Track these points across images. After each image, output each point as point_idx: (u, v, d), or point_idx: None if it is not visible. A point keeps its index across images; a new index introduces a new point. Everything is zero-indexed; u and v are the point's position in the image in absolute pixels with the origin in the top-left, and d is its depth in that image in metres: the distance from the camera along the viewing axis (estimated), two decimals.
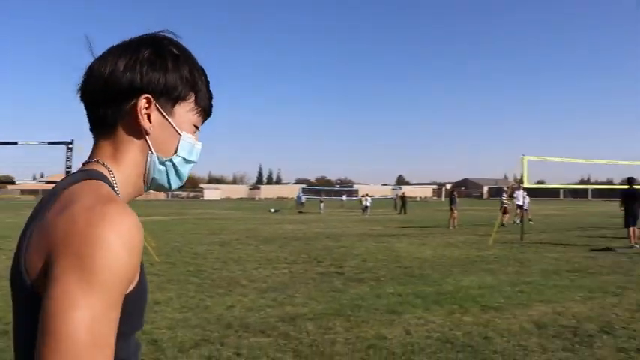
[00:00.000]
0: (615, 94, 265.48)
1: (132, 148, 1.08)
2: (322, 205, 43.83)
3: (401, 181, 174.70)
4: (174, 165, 1.13)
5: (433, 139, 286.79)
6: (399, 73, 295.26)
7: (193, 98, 1.14)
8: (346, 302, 7.96)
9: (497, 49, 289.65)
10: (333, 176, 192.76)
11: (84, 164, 1.09)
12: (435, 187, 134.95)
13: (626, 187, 16.50)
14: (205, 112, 1.19)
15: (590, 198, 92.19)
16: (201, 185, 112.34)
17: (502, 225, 23.23)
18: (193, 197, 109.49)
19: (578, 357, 5.44)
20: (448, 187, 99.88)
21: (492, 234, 17.54)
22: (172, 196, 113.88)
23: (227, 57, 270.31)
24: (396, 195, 52.12)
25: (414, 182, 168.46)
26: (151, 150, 1.09)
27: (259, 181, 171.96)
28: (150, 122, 1.08)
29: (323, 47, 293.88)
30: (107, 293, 0.84)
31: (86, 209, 0.88)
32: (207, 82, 1.18)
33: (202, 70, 1.17)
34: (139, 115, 1.06)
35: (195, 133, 1.17)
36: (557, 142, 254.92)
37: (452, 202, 24.94)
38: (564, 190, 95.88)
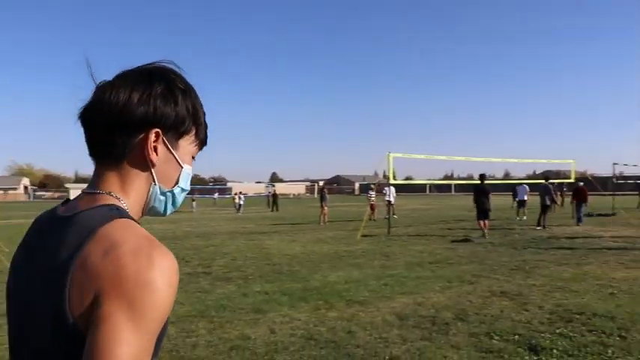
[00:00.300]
0: (468, 94, 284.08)
1: (138, 180, 1.10)
2: (194, 203, 42.94)
3: (275, 179, 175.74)
4: (173, 195, 1.17)
5: (307, 136, 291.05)
6: (273, 72, 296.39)
7: (195, 131, 1.17)
8: (211, 303, 7.74)
9: (366, 50, 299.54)
10: (206, 174, 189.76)
11: (91, 193, 1.08)
12: (308, 183, 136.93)
13: (478, 182, 17.64)
14: (203, 143, 1.22)
15: (453, 192, 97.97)
16: (67, 185, 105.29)
17: (372, 220, 23.98)
18: (59, 197, 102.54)
19: (435, 345, 5.64)
20: (321, 183, 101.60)
21: (360, 229, 18.04)
22: (35, 197, 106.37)
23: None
24: (269, 192, 52.17)
25: (287, 179, 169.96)
26: (154, 181, 1.12)
27: None
28: (157, 155, 1.10)
29: (192, 42, 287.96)
30: (151, 331, 0.90)
31: (133, 254, 0.92)
32: (203, 109, 1.20)
33: (201, 102, 1.19)
34: (149, 148, 1.08)
35: (191, 164, 1.20)
36: (423, 140, 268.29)
37: (322, 198, 25.36)
38: (430, 185, 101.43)
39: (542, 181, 20.80)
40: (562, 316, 6.66)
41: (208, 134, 1.23)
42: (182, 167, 1.15)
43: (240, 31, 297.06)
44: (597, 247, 13.48)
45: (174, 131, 1.11)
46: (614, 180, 27.04)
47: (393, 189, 26.36)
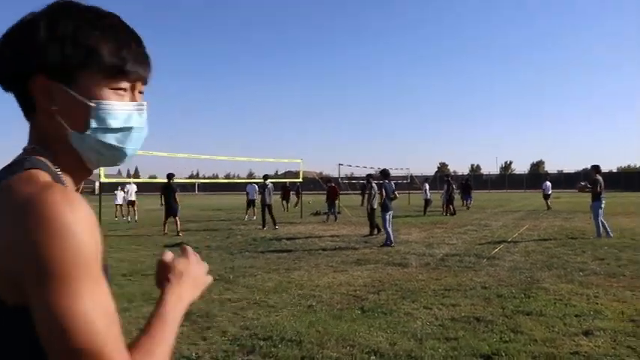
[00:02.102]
0: (210, 92, 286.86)
1: (51, 131, 1.03)
2: None
3: None
4: (96, 139, 1.03)
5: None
6: None
7: (95, 62, 1.00)
8: None
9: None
10: None
11: (24, 150, 1.05)
12: None
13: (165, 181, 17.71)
14: (122, 70, 1.03)
15: (196, 192, 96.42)
16: None
17: None
18: None
19: None
20: None
21: None
22: None
23: None
24: None
25: None
26: (67, 129, 1.02)
27: None
28: (53, 100, 1.00)
29: None
30: (88, 275, 0.84)
31: (30, 213, 0.84)
32: (111, 32, 1.03)
33: (98, 20, 1.03)
34: (39, 95, 1.00)
35: (122, 96, 1.05)
36: (170, 139, 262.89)
37: None
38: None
39: (262, 180, 20.40)
40: (244, 345, 5.39)
41: (128, 55, 1.03)
42: (90, 104, 1.00)
43: None
44: (314, 248, 12.99)
45: (63, 69, 0.98)
46: (340, 180, 28.20)
47: (134, 187, 24.04)
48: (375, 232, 15.96)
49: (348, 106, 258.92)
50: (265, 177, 20.11)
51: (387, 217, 13.82)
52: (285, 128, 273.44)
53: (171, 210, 16.90)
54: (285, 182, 29.29)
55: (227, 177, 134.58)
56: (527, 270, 9.40)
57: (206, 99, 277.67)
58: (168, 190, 17.46)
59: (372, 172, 28.96)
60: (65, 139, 1.02)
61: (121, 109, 1.03)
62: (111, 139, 1.03)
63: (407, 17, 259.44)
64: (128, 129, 1.05)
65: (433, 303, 7.01)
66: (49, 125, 1.01)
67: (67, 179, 1.03)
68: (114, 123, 1.02)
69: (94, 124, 1.01)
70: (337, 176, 27.44)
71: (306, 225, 20.42)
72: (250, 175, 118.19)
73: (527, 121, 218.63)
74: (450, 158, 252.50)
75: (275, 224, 18.90)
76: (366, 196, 16.93)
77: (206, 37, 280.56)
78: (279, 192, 27.87)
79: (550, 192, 29.17)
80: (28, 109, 1.03)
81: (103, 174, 16.34)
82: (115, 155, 1.06)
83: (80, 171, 1.07)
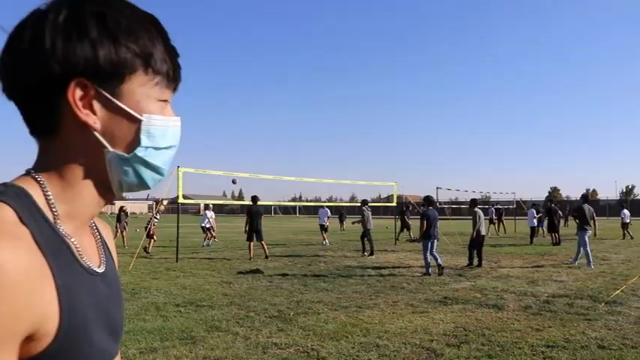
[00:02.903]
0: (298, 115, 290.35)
1: (79, 151, 0.79)
2: None
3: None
4: (142, 159, 0.82)
5: None
6: None
7: (144, 66, 0.80)
8: None
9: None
10: None
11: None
12: (150, 202, 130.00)
13: (250, 203, 16.94)
14: (169, 77, 0.85)
15: (297, 214, 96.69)
16: None
17: (146, 251, 18.21)
18: None
19: None
20: (165, 202, 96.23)
21: (134, 258, 14.65)
22: None
23: None
24: None
25: (130, 197, 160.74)
26: (106, 147, 0.80)
27: None
28: (94, 113, 0.78)
29: None
30: None
31: None
32: (163, 38, 0.84)
33: (150, 22, 0.83)
34: (75, 106, 0.76)
35: (165, 109, 0.85)
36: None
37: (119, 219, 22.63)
38: (275, 206, 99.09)
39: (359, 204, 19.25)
40: None
41: (174, 61, 0.85)
42: (141, 119, 0.80)
43: None
44: (398, 281, 11.50)
45: (105, 75, 0.77)
46: (438, 205, 26.42)
47: (211, 212, 23.62)
48: (475, 262, 14.34)
49: (456, 127, 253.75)
50: (364, 202, 18.90)
51: (429, 245, 12.99)
52: (386, 151, 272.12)
53: (256, 234, 16.36)
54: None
55: (329, 200, 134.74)
56: None
57: (308, 123, 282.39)
58: (253, 213, 16.70)
59: (478, 196, 26.95)
60: (96, 161, 0.80)
61: (167, 124, 0.84)
62: (157, 159, 0.84)
63: (506, 48, 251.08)
64: (172, 147, 0.86)
65: None
66: (77, 144, 0.79)
67: (68, 214, 0.79)
68: (162, 141, 0.84)
69: (144, 142, 0.81)
70: (436, 200, 25.66)
71: (398, 253, 18.91)
72: (352, 199, 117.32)
73: None
74: (562, 182, 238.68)
75: (364, 251, 17.57)
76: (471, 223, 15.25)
77: (310, 66, 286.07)
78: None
79: (629, 220, 26.26)
80: (47, 124, 0.78)
81: (182, 195, 15.81)
82: (155, 178, 0.85)
83: (93, 204, 0.84)
